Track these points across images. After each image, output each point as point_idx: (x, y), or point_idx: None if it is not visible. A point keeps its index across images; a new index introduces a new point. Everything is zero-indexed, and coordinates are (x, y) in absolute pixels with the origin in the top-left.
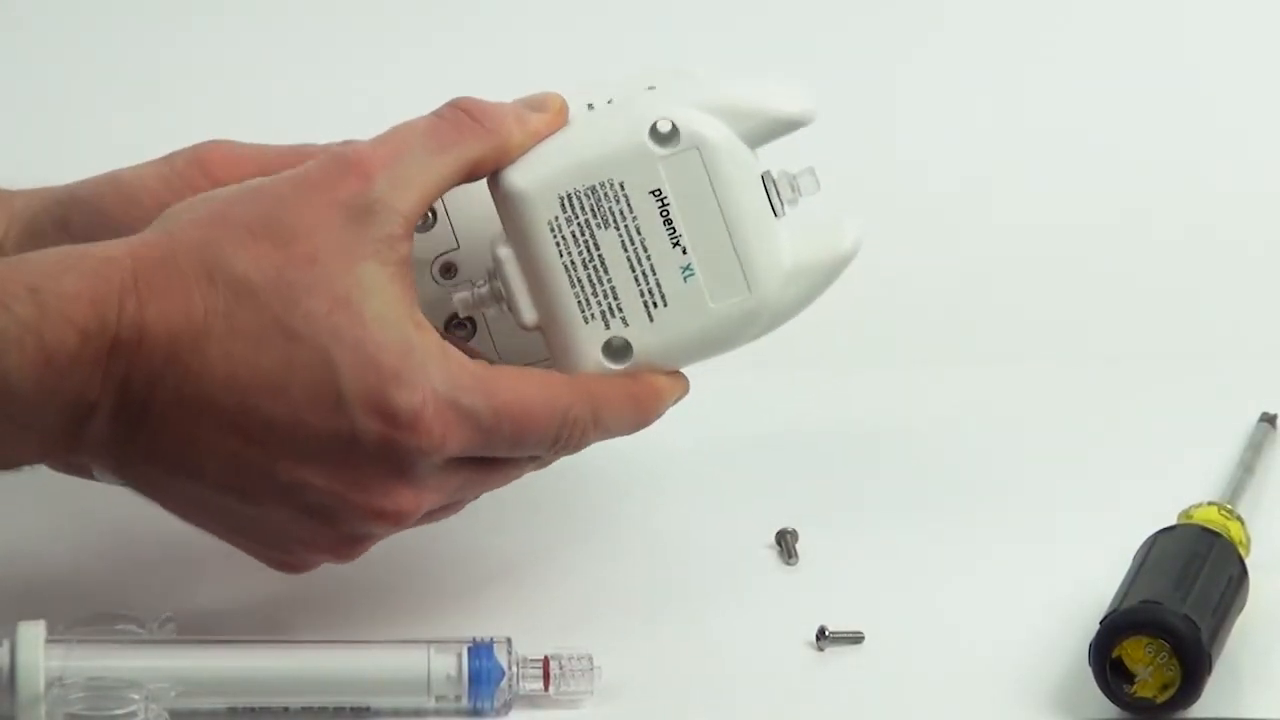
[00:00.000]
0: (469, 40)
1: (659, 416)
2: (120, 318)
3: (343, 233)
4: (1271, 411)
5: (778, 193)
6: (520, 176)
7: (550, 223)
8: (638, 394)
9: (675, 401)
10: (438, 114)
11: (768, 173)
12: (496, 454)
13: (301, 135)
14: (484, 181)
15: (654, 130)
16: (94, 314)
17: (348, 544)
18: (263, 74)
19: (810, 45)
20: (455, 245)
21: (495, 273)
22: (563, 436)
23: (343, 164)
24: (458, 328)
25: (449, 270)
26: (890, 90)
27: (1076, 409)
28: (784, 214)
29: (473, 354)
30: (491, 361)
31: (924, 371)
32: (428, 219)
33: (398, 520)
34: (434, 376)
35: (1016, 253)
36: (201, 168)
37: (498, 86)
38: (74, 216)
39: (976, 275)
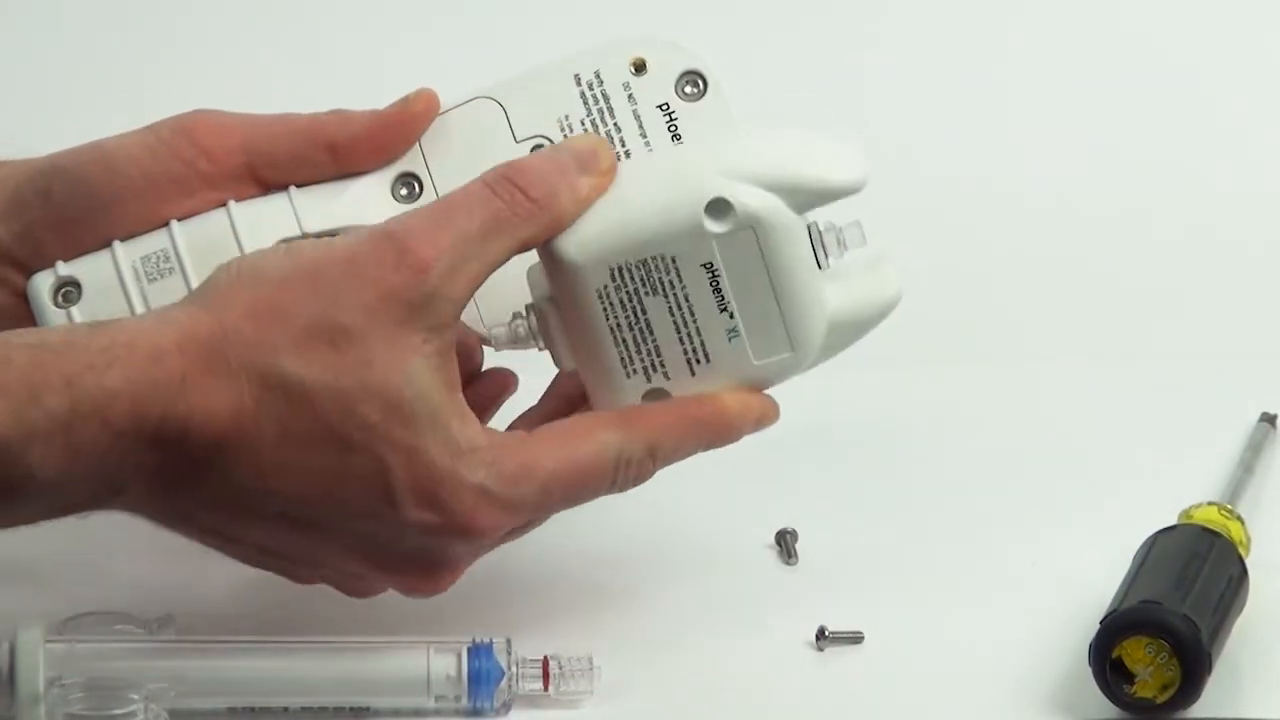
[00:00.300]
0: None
1: (737, 437)
2: (165, 416)
3: (397, 330)
4: (1271, 411)
5: (823, 246)
6: (573, 248)
7: (600, 290)
8: (700, 417)
9: (759, 423)
10: (491, 188)
11: (814, 225)
12: (553, 514)
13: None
14: (466, 133)
15: (710, 207)
16: (132, 413)
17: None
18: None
19: (811, 45)
20: None
21: (536, 316)
22: (619, 478)
23: (397, 250)
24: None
25: None
26: (892, 89)
27: (1077, 409)
28: (828, 266)
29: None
30: None
31: (924, 371)
32: (414, 188)
33: (434, 590)
34: (481, 474)
35: (1017, 253)
36: (188, 136)
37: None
38: (56, 186)
39: (976, 275)
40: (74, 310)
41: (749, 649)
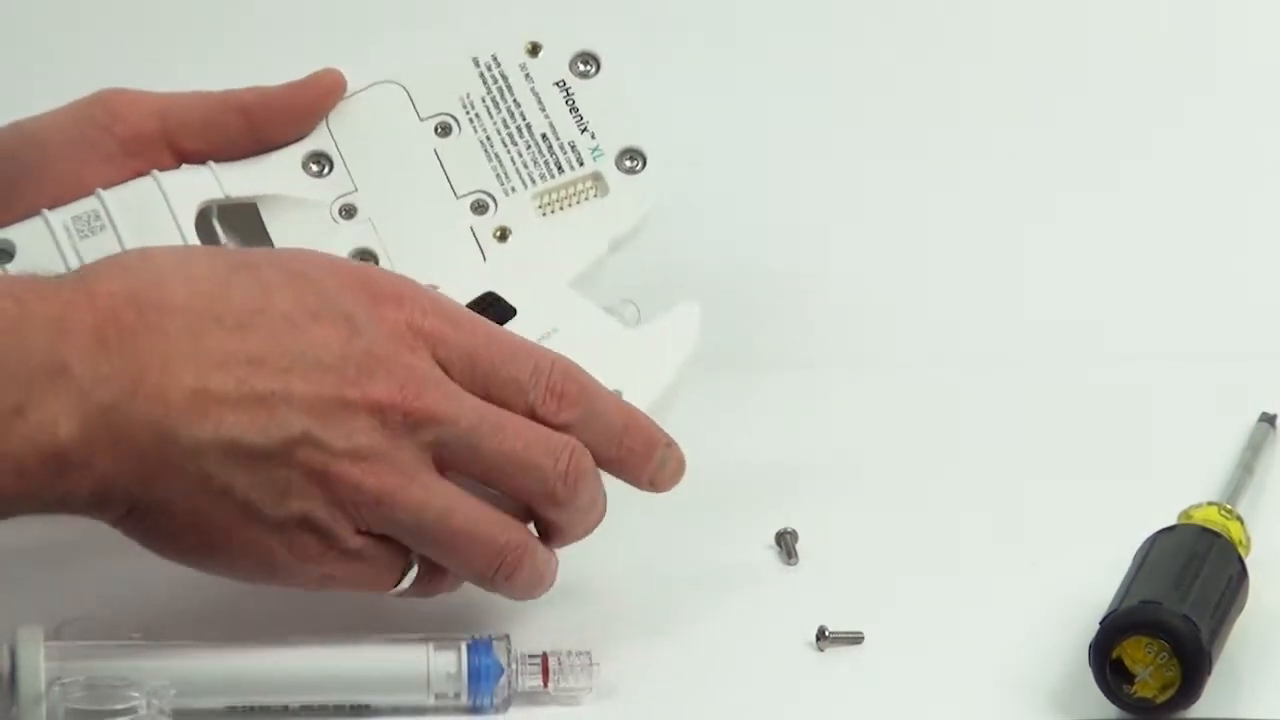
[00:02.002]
0: None
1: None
2: (77, 285)
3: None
4: (1271, 411)
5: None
6: None
7: None
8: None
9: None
10: None
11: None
12: (485, 364)
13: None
14: (372, 114)
15: None
16: (22, 293)
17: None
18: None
19: (814, 44)
20: (354, 188)
21: None
22: (539, 383)
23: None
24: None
25: (349, 212)
26: (889, 87)
27: (1077, 409)
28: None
29: None
30: None
31: (924, 372)
32: (324, 167)
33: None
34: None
35: (1017, 253)
36: (103, 106)
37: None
38: None
39: (977, 276)
40: (8, 268)
41: (749, 649)
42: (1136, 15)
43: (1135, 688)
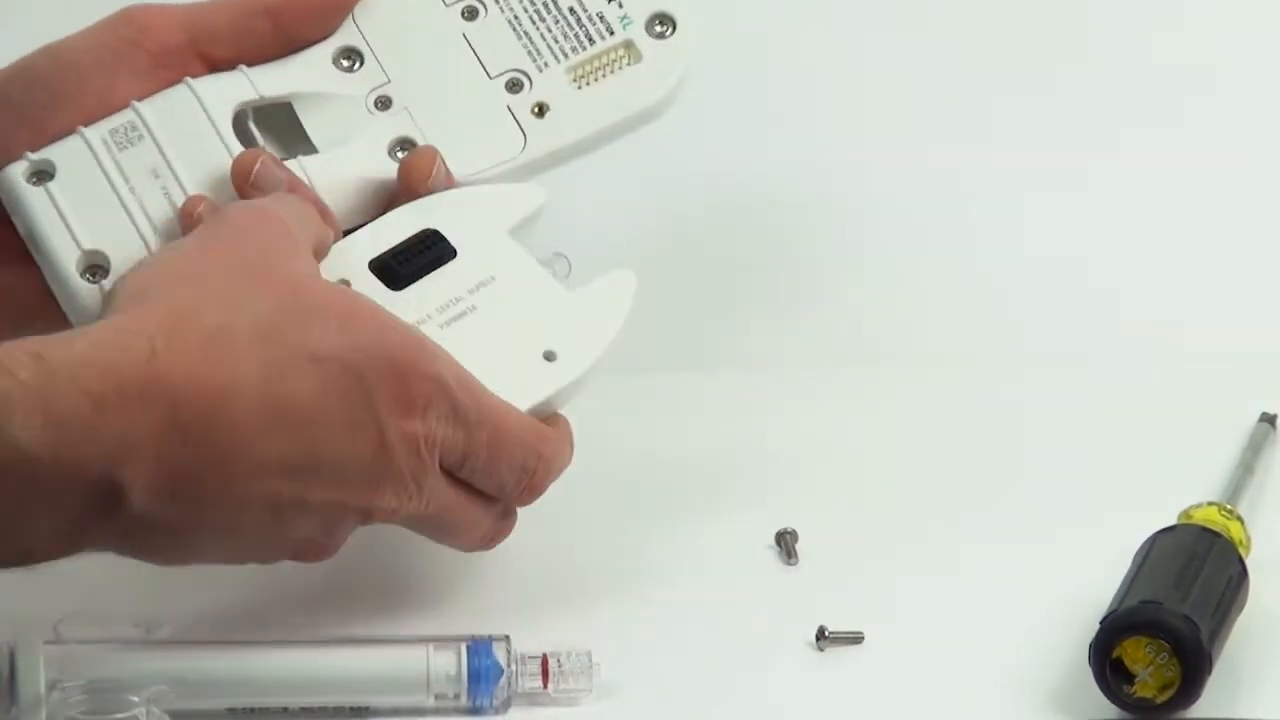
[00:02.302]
0: None
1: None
2: (149, 379)
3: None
4: (1271, 411)
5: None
6: None
7: None
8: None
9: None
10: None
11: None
12: (475, 463)
13: None
14: (397, 5)
15: None
16: (106, 377)
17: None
18: None
19: (818, 44)
20: (386, 80)
21: None
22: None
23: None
24: None
25: (384, 103)
26: (883, 91)
27: (1077, 409)
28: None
29: None
30: None
31: (924, 372)
32: (354, 61)
33: (388, 516)
34: (443, 360)
35: (1017, 253)
36: (128, 22)
37: None
38: (12, 91)
39: (977, 276)
40: (51, 186)
41: (749, 649)
42: (1134, 14)
43: (1135, 688)
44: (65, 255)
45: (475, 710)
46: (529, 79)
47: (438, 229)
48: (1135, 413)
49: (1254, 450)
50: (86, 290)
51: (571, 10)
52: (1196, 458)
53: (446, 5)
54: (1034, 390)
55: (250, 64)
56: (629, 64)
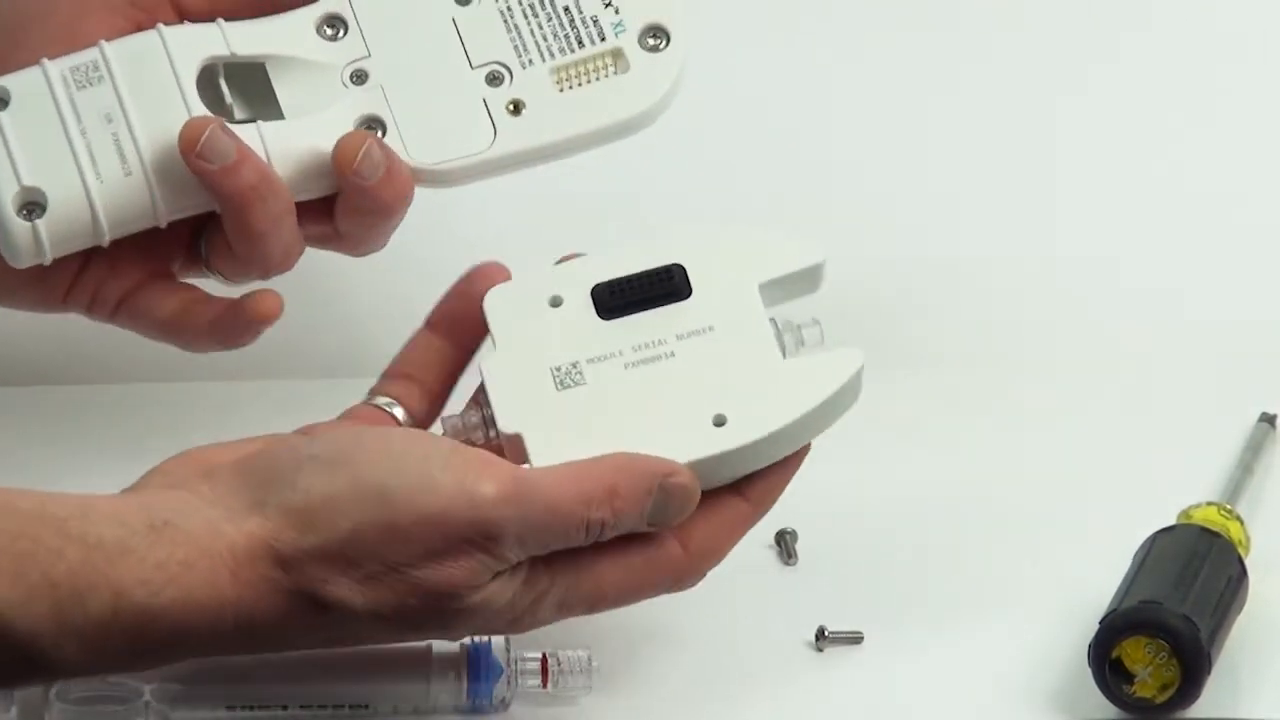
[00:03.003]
0: None
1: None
2: (213, 630)
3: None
4: (1271, 411)
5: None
6: None
7: None
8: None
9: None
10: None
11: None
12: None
13: None
14: None
15: None
16: (174, 631)
17: None
18: None
19: (822, 45)
20: (366, 53)
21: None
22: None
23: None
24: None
25: (360, 77)
26: (892, 91)
27: (1076, 409)
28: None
29: None
30: None
31: (924, 372)
32: (338, 30)
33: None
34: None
35: (1017, 253)
36: None
37: None
38: None
39: (977, 276)
40: (2, 115)
41: (749, 649)
42: (1132, 14)
43: (1135, 688)
44: (3, 188)
45: (475, 709)
46: (510, 74)
47: (683, 264)
48: (1135, 413)
49: (1254, 450)
50: (20, 228)
51: (566, 9)
52: (1196, 458)
53: None
54: (1034, 390)
55: (231, 18)
56: (615, 73)
